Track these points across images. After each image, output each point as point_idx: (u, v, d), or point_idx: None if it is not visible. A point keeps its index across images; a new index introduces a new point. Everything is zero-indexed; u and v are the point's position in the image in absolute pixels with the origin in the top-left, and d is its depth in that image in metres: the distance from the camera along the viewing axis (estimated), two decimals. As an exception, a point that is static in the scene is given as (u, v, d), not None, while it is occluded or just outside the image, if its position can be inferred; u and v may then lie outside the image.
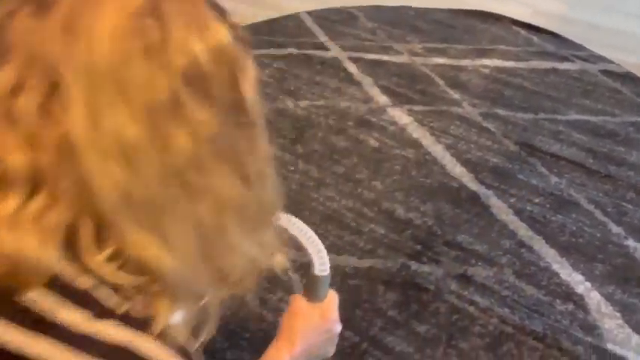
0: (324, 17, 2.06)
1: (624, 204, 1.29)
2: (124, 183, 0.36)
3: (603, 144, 1.48)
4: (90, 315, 0.37)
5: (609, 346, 1.00)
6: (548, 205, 1.28)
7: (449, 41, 1.91)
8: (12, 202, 0.36)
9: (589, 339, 1.01)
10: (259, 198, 0.43)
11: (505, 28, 2.01)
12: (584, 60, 1.84)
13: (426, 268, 1.12)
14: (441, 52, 1.85)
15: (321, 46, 1.90)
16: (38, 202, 0.36)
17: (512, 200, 1.29)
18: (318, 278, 0.62)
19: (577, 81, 1.74)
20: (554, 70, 1.78)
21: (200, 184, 0.39)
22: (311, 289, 0.63)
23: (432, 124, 1.52)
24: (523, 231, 1.22)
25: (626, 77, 1.76)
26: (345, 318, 0.70)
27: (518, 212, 1.26)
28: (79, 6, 0.36)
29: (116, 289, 0.38)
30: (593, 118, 1.57)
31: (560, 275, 1.12)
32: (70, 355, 0.36)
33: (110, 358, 0.37)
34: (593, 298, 1.08)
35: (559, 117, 1.57)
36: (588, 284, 1.11)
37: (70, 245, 0.37)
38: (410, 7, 2.12)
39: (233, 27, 0.40)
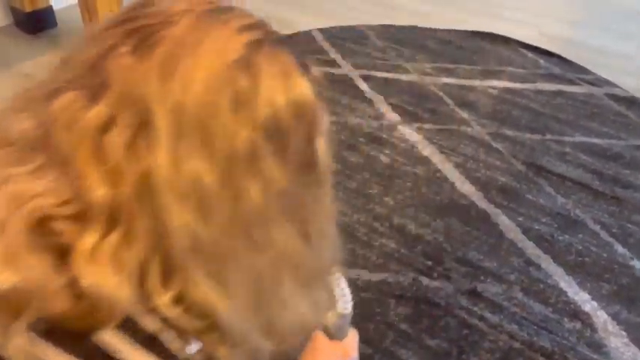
0: (336, 35, 2.11)
1: (630, 225, 1.32)
2: (194, 226, 0.36)
3: (609, 166, 1.51)
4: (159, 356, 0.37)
5: (616, 365, 1.02)
6: (555, 225, 1.31)
7: (458, 62, 1.96)
8: (90, 238, 0.36)
9: (596, 357, 1.03)
10: (318, 256, 0.44)
11: (513, 51, 2.05)
12: (590, 83, 1.88)
13: (436, 284, 1.14)
14: (450, 72, 1.89)
15: (333, 64, 1.94)
16: (115, 238, 0.36)
17: (520, 219, 1.32)
18: (340, 316, 0.63)
19: (583, 104, 1.78)
20: (561, 93, 1.82)
21: (263, 238, 0.40)
22: (333, 326, 0.63)
23: (441, 143, 1.55)
24: (531, 249, 1.25)
25: (631, 101, 1.80)
26: (358, 330, 0.72)
27: (526, 231, 1.29)
28: (178, 50, 0.37)
29: (179, 333, 0.38)
30: (599, 141, 1.61)
31: (568, 294, 1.15)
32: None
33: None
34: (600, 316, 1.11)
35: (566, 138, 1.61)
36: (595, 303, 1.13)
37: (141, 284, 0.37)
38: (419, 28, 2.17)
39: (315, 81, 0.41)
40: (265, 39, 0.40)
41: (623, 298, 1.15)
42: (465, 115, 1.68)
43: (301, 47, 2.03)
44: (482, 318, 1.09)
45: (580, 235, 1.29)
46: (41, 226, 0.36)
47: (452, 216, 1.31)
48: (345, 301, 0.62)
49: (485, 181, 1.43)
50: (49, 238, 0.36)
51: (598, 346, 1.05)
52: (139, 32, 0.37)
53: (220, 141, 0.37)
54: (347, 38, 2.08)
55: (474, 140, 1.57)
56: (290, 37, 2.11)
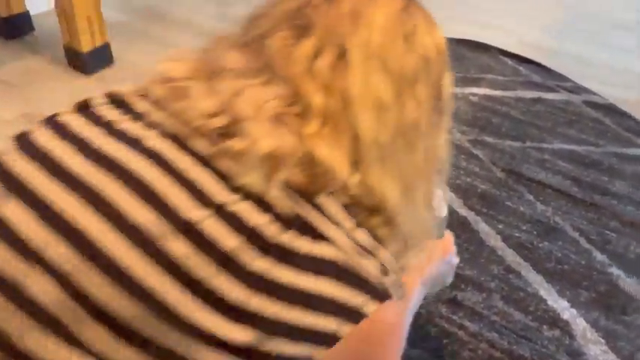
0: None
1: (608, 232, 1.33)
2: (375, 129, 0.51)
3: (587, 173, 1.52)
4: (352, 223, 0.48)
5: (594, 372, 1.02)
6: (535, 232, 1.32)
7: (439, 69, 1.96)
8: (314, 126, 0.49)
9: (575, 365, 1.03)
10: (441, 165, 0.60)
11: (493, 58, 2.07)
12: (569, 91, 1.90)
13: (416, 292, 1.14)
14: (432, 80, 1.89)
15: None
16: (327, 131, 0.49)
17: (500, 226, 1.33)
18: (440, 218, 0.74)
19: (562, 111, 1.79)
20: (540, 100, 1.84)
21: (416, 143, 0.54)
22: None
23: (422, 150, 1.55)
24: (511, 257, 1.25)
25: (609, 108, 1.82)
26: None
27: (506, 238, 1.29)
28: (359, 1, 0.53)
29: (358, 210, 0.50)
30: (577, 148, 1.62)
31: (547, 301, 1.15)
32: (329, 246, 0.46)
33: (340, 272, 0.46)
34: (579, 324, 1.11)
35: (545, 145, 1.62)
36: (574, 311, 1.13)
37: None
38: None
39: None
40: None
41: (601, 304, 1.15)
42: (445, 122, 1.68)
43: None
44: (462, 327, 1.09)
45: (559, 243, 1.30)
46: (278, 120, 0.48)
47: (432, 224, 1.30)
48: (441, 205, 0.73)
49: (466, 188, 1.43)
50: (285, 126, 0.48)
51: (577, 354, 1.05)
52: None
53: (395, 67, 0.52)
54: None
55: (455, 147, 1.57)
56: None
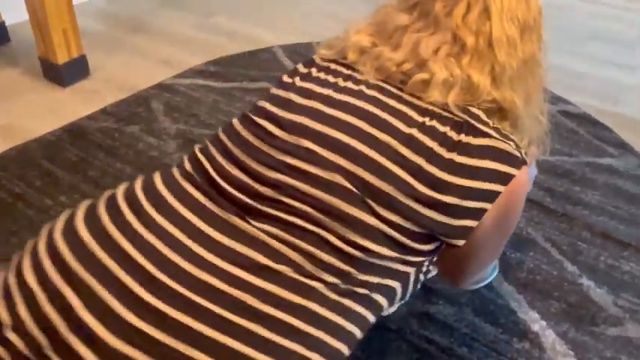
0: (294, 51, 2.12)
1: (579, 243, 1.35)
2: (508, 59, 0.75)
3: (561, 183, 1.54)
4: (493, 122, 0.75)
5: (562, 385, 1.03)
6: (507, 243, 1.33)
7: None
8: (468, 59, 0.74)
9: (544, 377, 1.04)
10: (544, 82, 0.87)
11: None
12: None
13: (388, 306, 1.14)
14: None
15: (293, 81, 1.93)
16: (476, 61, 0.75)
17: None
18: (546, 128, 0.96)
19: (537, 121, 1.81)
20: (516, 110, 1.86)
21: (532, 68, 0.80)
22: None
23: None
24: (483, 269, 1.26)
25: (583, 118, 1.85)
26: None
27: (479, 250, 1.30)
28: None
29: (493, 116, 0.77)
30: (551, 158, 1.64)
31: (518, 314, 1.16)
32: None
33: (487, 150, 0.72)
34: (548, 336, 1.12)
35: (519, 156, 1.64)
36: (544, 323, 1.15)
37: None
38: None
39: None
40: None
41: (571, 316, 1.16)
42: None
43: (262, 64, 2.03)
44: (432, 342, 1.09)
45: (531, 253, 1.31)
46: (447, 58, 0.74)
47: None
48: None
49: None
50: (451, 62, 0.74)
51: (546, 367, 1.06)
52: None
53: (520, 19, 0.76)
54: (305, 54, 2.08)
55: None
56: (252, 53, 2.10)
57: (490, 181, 0.71)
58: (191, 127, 1.68)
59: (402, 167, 0.69)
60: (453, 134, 0.71)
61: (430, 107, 0.73)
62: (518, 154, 0.73)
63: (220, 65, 2.03)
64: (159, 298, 0.58)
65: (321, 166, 0.69)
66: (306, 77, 0.80)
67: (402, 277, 0.75)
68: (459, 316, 1.14)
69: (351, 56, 0.80)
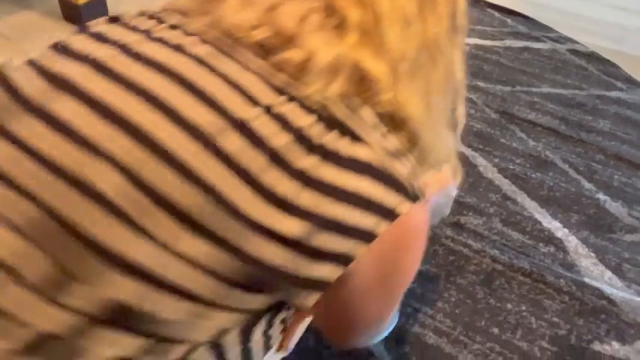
0: None
1: (594, 164, 1.44)
2: (402, 43, 0.51)
3: (574, 113, 1.62)
4: (384, 131, 0.51)
5: (586, 280, 1.12)
6: (528, 165, 1.41)
7: (430, 20, 2.02)
8: (353, 38, 0.50)
9: (569, 274, 1.13)
10: (458, 79, 0.60)
11: (481, 11, 2.14)
12: (554, 40, 1.99)
13: (423, 217, 1.22)
14: (424, 30, 1.95)
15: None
16: (365, 43, 0.50)
17: (496, 160, 1.41)
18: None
19: (548, 59, 1.88)
20: (527, 49, 1.92)
21: (437, 56, 0.55)
22: None
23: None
24: (507, 186, 1.34)
25: (591, 56, 1.92)
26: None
27: (502, 170, 1.38)
28: None
29: (387, 125, 0.52)
30: (564, 91, 1.72)
31: (542, 223, 1.25)
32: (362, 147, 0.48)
33: (371, 173, 0.47)
34: (571, 241, 1.21)
35: (534, 89, 1.71)
36: (566, 230, 1.24)
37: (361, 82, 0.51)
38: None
39: None
40: None
41: (590, 225, 1.26)
42: (439, 69, 1.75)
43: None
44: (466, 245, 1.17)
45: (550, 173, 1.39)
46: (322, 32, 0.49)
47: (433, 159, 1.38)
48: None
49: (463, 128, 1.51)
50: (333, 38, 0.50)
51: (570, 266, 1.15)
52: None
53: None
54: None
55: (450, 92, 1.65)
56: None
57: (364, 212, 0.47)
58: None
59: (224, 168, 0.44)
60: (316, 131, 0.46)
61: (285, 79, 0.48)
62: (408, 185, 0.49)
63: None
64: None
65: (85, 149, 0.44)
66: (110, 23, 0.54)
67: None
68: (487, 226, 1.23)
69: (183, 4, 0.55)
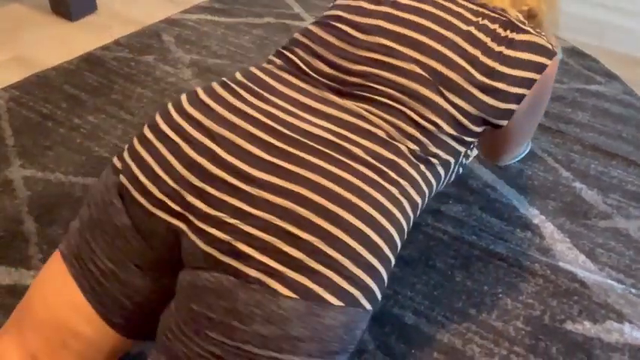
0: (298, -10, 2.17)
1: (572, 154, 1.48)
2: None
3: (554, 106, 1.66)
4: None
5: (561, 264, 1.17)
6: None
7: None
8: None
9: (544, 259, 1.17)
10: None
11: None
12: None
13: (404, 205, 1.25)
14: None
15: (297, 17, 2.00)
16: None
17: (475, 150, 1.45)
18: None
19: (530, 53, 1.92)
20: (510, 43, 1.96)
21: None
22: None
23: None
24: (487, 175, 1.38)
25: (572, 51, 1.96)
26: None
27: (483, 160, 1.42)
28: None
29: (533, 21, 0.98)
30: (544, 84, 1.76)
31: (520, 210, 1.29)
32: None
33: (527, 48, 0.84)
34: (547, 227, 1.25)
35: (515, 82, 1.75)
36: (543, 217, 1.28)
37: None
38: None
39: None
40: None
41: (567, 212, 1.30)
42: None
43: (265, 1, 2.08)
44: (445, 232, 1.21)
45: (529, 162, 1.43)
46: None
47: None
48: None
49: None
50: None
51: (546, 251, 1.19)
52: None
53: None
54: (309, -7, 2.14)
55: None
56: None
57: (530, 71, 0.83)
58: (204, 57, 1.75)
59: (464, 59, 0.80)
60: (500, 31, 0.83)
61: (480, 9, 0.85)
62: (551, 47, 0.85)
63: (224, 2, 2.08)
64: (285, 144, 0.71)
65: (400, 58, 0.80)
66: None
67: (456, 155, 0.86)
68: (467, 212, 1.27)
69: None
